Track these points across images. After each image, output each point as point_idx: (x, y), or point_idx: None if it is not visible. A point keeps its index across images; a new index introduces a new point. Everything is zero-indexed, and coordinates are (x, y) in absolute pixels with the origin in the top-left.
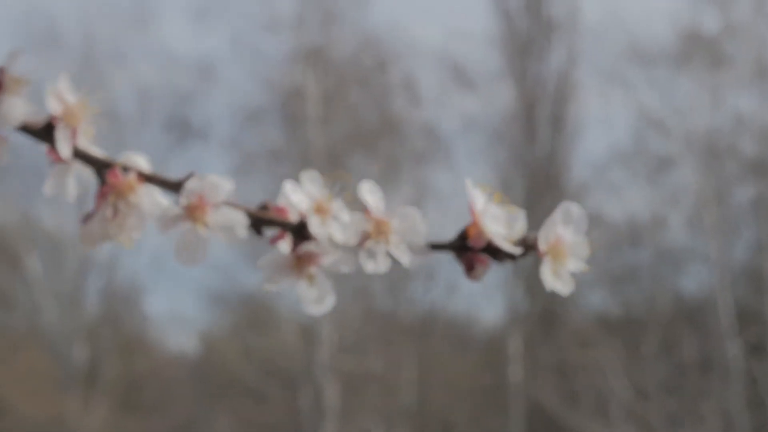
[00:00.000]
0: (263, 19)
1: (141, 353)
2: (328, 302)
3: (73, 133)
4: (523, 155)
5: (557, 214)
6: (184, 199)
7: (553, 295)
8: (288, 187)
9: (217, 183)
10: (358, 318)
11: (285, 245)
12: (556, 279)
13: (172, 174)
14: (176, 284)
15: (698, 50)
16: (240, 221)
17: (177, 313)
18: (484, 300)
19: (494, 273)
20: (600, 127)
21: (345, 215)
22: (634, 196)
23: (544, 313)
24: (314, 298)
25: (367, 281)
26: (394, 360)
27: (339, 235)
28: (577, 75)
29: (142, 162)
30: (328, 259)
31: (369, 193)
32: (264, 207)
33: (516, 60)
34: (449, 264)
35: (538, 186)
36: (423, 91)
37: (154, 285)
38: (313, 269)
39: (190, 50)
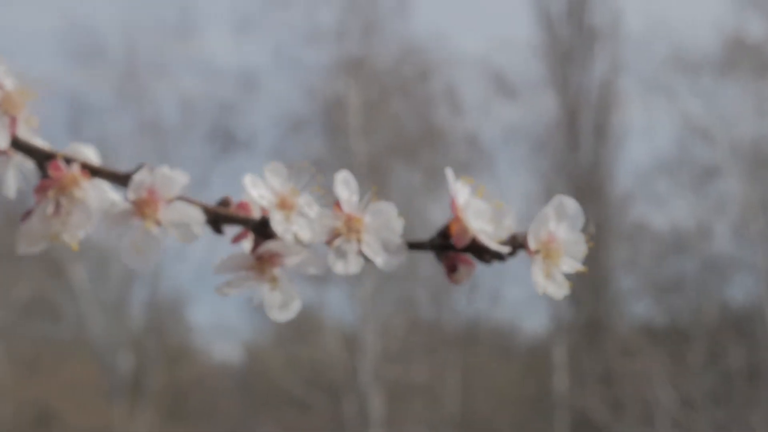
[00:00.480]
0: (305, 30)
1: (186, 363)
2: (294, 307)
3: (12, 122)
4: (566, 164)
5: (549, 209)
6: (132, 194)
7: (598, 305)
8: (247, 180)
9: (170, 176)
10: (402, 327)
11: (249, 245)
12: (549, 281)
13: (215, 185)
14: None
15: (743, 57)
16: (196, 218)
17: (221, 322)
18: (528, 309)
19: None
20: (644, 135)
21: (311, 211)
22: (679, 205)
23: (588, 323)
24: (277, 304)
25: (410, 291)
26: (438, 369)
27: (304, 233)
28: (621, 83)
29: (90, 153)
30: (292, 260)
31: (343, 185)
32: (224, 203)
33: (558, 69)
34: (493, 273)
35: (582, 196)
36: (465, 100)
37: (199, 294)
38: (276, 271)
39: (233, 61)
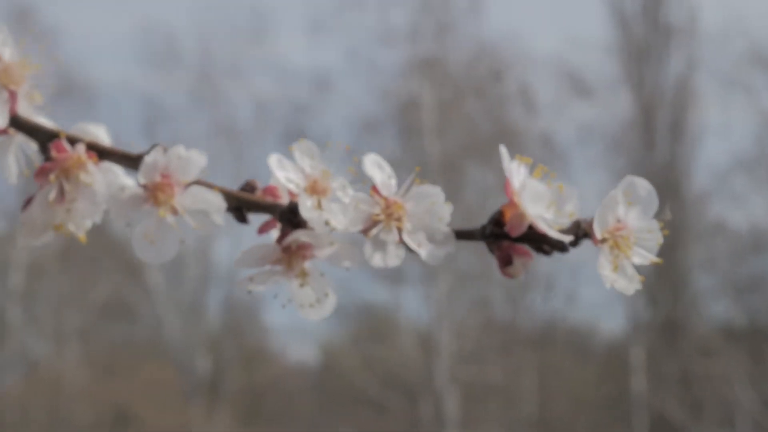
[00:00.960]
0: (379, 31)
1: (262, 364)
2: (328, 305)
3: (12, 97)
4: (642, 163)
5: (618, 191)
6: (143, 177)
7: (676, 305)
8: (273, 161)
9: (186, 157)
10: (477, 328)
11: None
12: (618, 274)
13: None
14: None
15: None
16: (216, 204)
17: (297, 323)
18: (605, 309)
19: None
20: (720, 133)
21: (345, 196)
22: (757, 203)
23: (666, 323)
24: (309, 301)
25: (485, 290)
26: (514, 370)
27: (338, 221)
28: (697, 80)
29: (100, 133)
30: (324, 252)
31: (375, 167)
32: (248, 187)
33: (634, 67)
34: (569, 273)
35: (658, 195)
36: (539, 99)
37: (274, 295)
38: (305, 265)
39: (306, 63)
